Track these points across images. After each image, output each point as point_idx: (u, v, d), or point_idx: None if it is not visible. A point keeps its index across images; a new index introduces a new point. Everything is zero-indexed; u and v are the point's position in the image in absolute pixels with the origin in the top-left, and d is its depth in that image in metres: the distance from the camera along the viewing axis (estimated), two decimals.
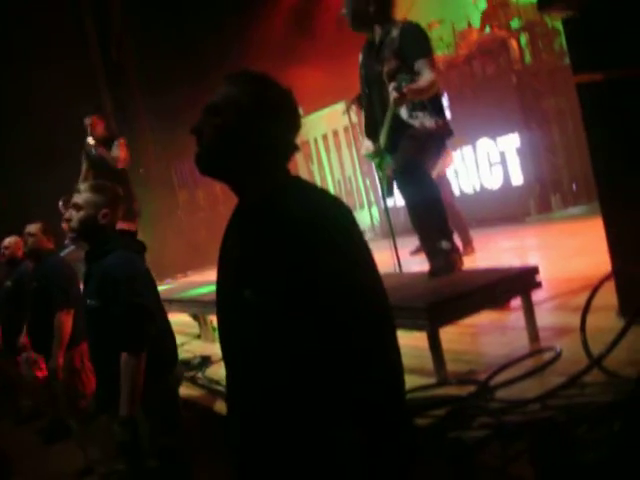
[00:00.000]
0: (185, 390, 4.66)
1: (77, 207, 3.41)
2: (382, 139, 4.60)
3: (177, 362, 3.73)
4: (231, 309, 1.98)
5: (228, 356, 2.04)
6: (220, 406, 4.27)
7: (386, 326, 1.85)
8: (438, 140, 4.59)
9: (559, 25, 7.17)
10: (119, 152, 8.29)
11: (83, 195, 3.42)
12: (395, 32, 4.44)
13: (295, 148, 2.00)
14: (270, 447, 1.90)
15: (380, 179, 4.93)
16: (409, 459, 1.84)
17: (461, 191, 9.08)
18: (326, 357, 1.81)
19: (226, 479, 2.19)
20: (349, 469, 1.81)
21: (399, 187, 4.53)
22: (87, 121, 8.54)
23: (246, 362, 1.94)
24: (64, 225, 3.69)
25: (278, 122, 1.93)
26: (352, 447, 1.79)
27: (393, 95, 4.22)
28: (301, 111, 6.69)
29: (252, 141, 1.90)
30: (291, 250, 1.80)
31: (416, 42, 4.42)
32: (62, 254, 6.03)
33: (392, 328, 1.87)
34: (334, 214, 1.85)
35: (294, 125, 1.99)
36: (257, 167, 1.92)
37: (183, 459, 3.49)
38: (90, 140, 8.54)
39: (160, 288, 7.84)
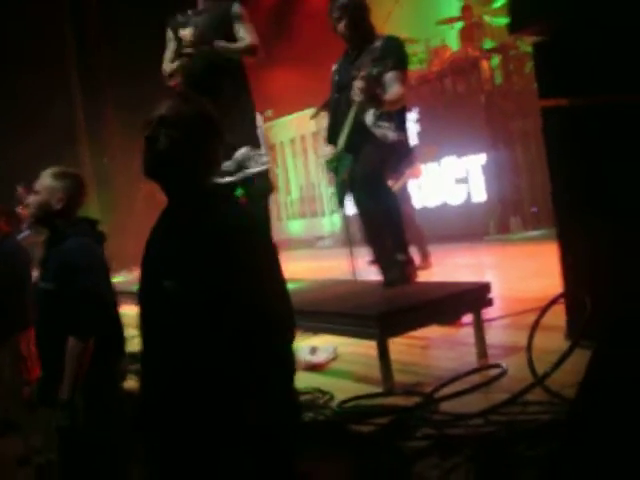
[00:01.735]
0: (132, 384, 4.63)
1: (35, 192, 3.47)
2: (342, 139, 4.60)
3: (124, 355, 3.71)
4: (152, 299, 2.23)
5: (146, 341, 2.28)
6: None
7: (284, 329, 2.15)
8: (397, 154, 4.61)
9: (530, 49, 7.28)
10: (249, 36, 5.04)
11: (42, 180, 3.47)
12: (378, 42, 4.50)
13: (218, 168, 2.41)
14: (176, 430, 2.11)
15: (335, 185, 4.88)
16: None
17: (423, 205, 9.16)
18: (228, 345, 2.05)
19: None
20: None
21: (358, 196, 4.51)
22: None
23: (161, 346, 2.19)
24: (21, 209, 3.70)
25: (216, 141, 2.27)
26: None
27: (359, 96, 4.26)
28: (270, 113, 6.56)
29: (197, 154, 2.21)
30: (211, 251, 2.07)
31: (395, 54, 4.47)
32: (19, 237, 5.96)
33: (291, 332, 2.18)
34: (251, 223, 2.24)
35: (219, 148, 2.32)
36: (193, 176, 2.22)
37: (118, 452, 3.47)
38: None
39: (115, 279, 7.78)
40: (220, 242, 2.07)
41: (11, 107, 10.42)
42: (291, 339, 2.17)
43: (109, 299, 3.48)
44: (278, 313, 2.12)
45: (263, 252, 2.15)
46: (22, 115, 10.48)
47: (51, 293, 3.35)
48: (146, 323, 2.26)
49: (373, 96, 4.29)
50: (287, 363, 2.15)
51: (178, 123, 2.18)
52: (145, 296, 2.27)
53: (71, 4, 12.39)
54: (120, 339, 3.61)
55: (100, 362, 3.31)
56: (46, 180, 3.46)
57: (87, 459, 3.31)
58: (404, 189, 6.92)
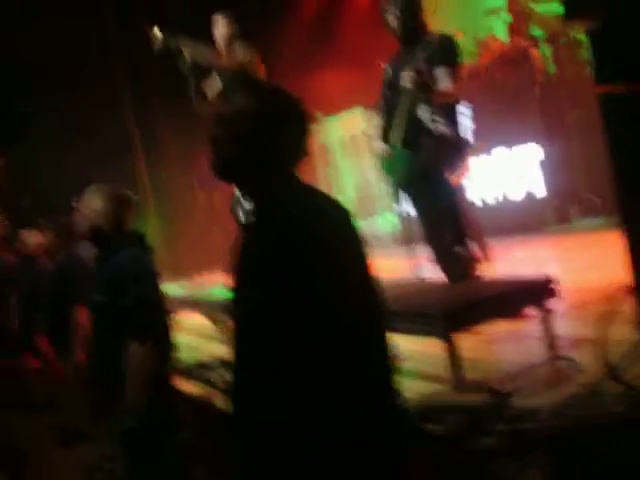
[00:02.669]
0: (200, 391, 4.70)
1: (80, 212, 3.62)
2: (396, 134, 4.58)
3: (171, 360, 3.83)
4: (237, 304, 2.13)
5: (236, 350, 2.14)
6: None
7: (372, 329, 1.97)
8: (453, 149, 4.60)
9: (582, 37, 7.18)
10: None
11: (89, 203, 3.60)
12: (431, 40, 4.54)
13: (304, 154, 2.13)
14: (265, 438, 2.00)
15: (392, 183, 4.85)
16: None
17: (480, 199, 9.07)
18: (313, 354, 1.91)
19: None
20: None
21: (416, 191, 4.52)
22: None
23: (244, 351, 2.07)
24: None
25: (287, 130, 2.07)
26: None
27: (409, 79, 4.25)
28: (319, 115, 6.69)
29: (263, 149, 2.05)
30: (285, 256, 1.92)
31: (449, 52, 4.48)
32: (80, 250, 6.07)
33: (379, 330, 2.00)
34: (329, 224, 1.98)
35: (303, 133, 2.12)
36: (266, 173, 2.07)
37: (178, 456, 3.57)
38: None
39: (174, 288, 7.85)
40: (291, 240, 1.92)
41: (66, 118, 10.57)
42: (383, 340, 2.00)
43: (160, 306, 3.64)
44: (366, 320, 1.95)
45: (344, 250, 1.97)
46: (77, 126, 10.61)
47: (105, 305, 3.47)
48: (237, 335, 2.13)
49: (423, 84, 4.27)
50: (380, 366, 1.99)
51: (236, 119, 2.06)
52: (235, 305, 2.15)
53: (119, 17, 12.53)
54: (168, 345, 3.73)
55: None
56: (93, 202, 3.58)
57: (151, 461, 3.44)
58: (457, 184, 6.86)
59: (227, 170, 2.11)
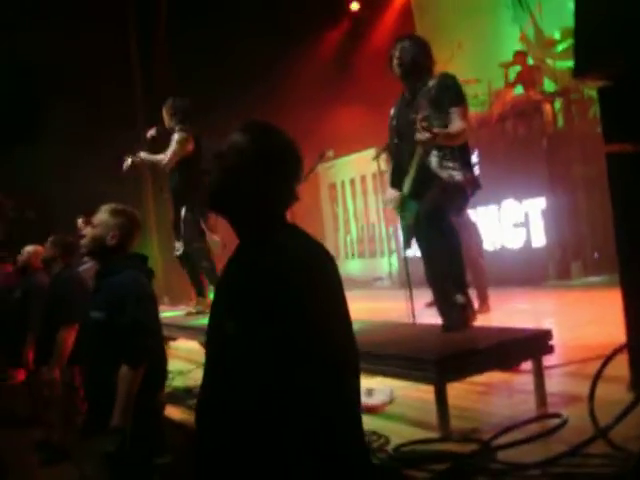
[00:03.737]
0: (187, 418, 4.67)
1: (92, 225, 3.65)
2: (407, 184, 4.60)
3: (164, 385, 3.84)
4: (215, 339, 2.16)
5: (206, 375, 2.19)
6: None
7: (344, 370, 2.00)
8: (464, 193, 4.60)
9: (594, 93, 7.22)
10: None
11: (100, 215, 3.65)
12: (432, 82, 4.52)
13: (294, 198, 2.18)
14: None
15: (402, 229, 4.92)
16: None
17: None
18: (287, 393, 1.93)
19: None
20: None
21: (420, 235, 4.51)
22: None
23: (217, 385, 2.10)
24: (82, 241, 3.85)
25: (278, 170, 2.12)
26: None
27: (424, 136, 4.23)
28: (332, 153, 6.69)
29: (251, 185, 2.10)
30: (263, 295, 1.96)
31: (452, 91, 4.48)
32: (81, 269, 6.07)
33: (351, 371, 2.03)
34: (310, 267, 2.00)
35: (294, 175, 2.17)
36: (254, 210, 2.12)
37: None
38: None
39: (173, 313, 7.84)
40: (275, 281, 1.95)
41: (79, 132, 10.54)
42: (357, 385, 2.06)
43: (157, 330, 3.63)
44: (342, 357, 1.99)
45: (325, 290, 2.02)
46: (89, 141, 10.60)
47: (102, 323, 3.46)
48: (209, 363, 2.19)
49: (432, 133, 4.26)
50: (352, 411, 2.03)
51: (228, 153, 2.13)
52: (209, 335, 2.20)
53: (138, 35, 12.64)
54: (163, 370, 3.73)
55: (144, 391, 3.40)
56: (103, 215, 3.63)
57: None
58: (468, 224, 6.80)
59: (215, 200, 2.18)
